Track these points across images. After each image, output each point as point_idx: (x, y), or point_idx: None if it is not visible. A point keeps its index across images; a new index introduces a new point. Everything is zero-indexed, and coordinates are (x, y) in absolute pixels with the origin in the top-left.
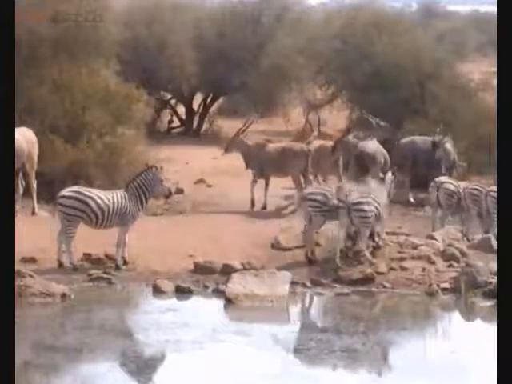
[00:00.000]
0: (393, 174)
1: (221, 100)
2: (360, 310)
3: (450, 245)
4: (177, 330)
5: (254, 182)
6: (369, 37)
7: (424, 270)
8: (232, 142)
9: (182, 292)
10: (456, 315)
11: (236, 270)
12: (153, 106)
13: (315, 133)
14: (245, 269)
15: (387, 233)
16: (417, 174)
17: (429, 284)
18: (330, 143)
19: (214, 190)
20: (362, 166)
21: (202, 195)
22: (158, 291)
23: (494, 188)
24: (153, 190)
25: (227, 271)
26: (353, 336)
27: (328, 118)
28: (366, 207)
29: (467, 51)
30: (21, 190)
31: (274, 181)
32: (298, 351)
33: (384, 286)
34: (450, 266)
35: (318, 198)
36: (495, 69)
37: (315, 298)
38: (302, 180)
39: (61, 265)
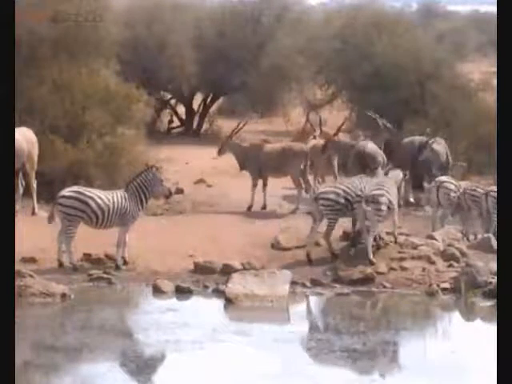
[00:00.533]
0: (404, 174)
1: (221, 100)
2: (360, 310)
3: (450, 245)
4: (177, 330)
5: (254, 185)
6: (369, 37)
7: (424, 270)
8: (225, 143)
9: (182, 292)
10: (456, 315)
11: (236, 270)
12: (153, 106)
13: (317, 132)
14: (245, 269)
15: (387, 233)
16: (416, 174)
17: (429, 284)
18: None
19: (213, 190)
20: (362, 166)
21: (202, 195)
22: (158, 291)
23: (494, 188)
24: (153, 190)
25: (227, 271)
26: (353, 336)
27: (328, 118)
28: (381, 199)
29: (467, 51)
30: (21, 189)
31: (274, 180)
32: (297, 351)
33: (384, 286)
34: (450, 265)
35: (331, 196)
36: (495, 69)
37: (315, 298)
38: (302, 180)
39: (61, 265)
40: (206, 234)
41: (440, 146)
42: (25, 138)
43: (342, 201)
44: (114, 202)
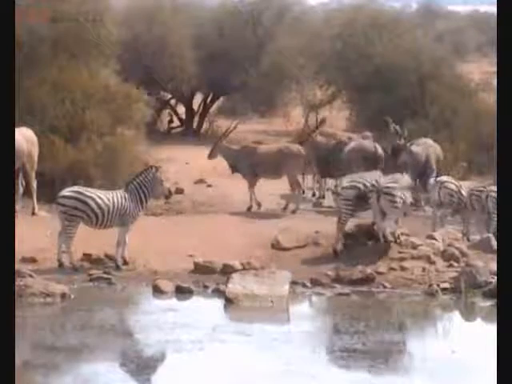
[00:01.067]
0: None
1: (221, 100)
2: (360, 309)
3: (450, 245)
4: (177, 330)
5: (251, 186)
6: (369, 37)
7: (424, 270)
8: (215, 147)
9: (182, 292)
10: (456, 315)
11: (236, 270)
12: (153, 106)
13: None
14: (245, 269)
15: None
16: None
17: (429, 284)
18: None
19: (213, 190)
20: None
21: (202, 195)
22: (157, 291)
23: (494, 188)
24: (153, 190)
25: (227, 271)
26: (353, 336)
27: (328, 118)
28: (396, 192)
29: (467, 51)
30: (21, 189)
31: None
32: (297, 351)
33: (384, 286)
34: (450, 265)
35: (354, 189)
36: (495, 69)
37: (315, 297)
38: (301, 180)
39: (61, 265)
40: (205, 234)
41: (419, 148)
42: (25, 137)
43: (364, 194)
44: (113, 202)
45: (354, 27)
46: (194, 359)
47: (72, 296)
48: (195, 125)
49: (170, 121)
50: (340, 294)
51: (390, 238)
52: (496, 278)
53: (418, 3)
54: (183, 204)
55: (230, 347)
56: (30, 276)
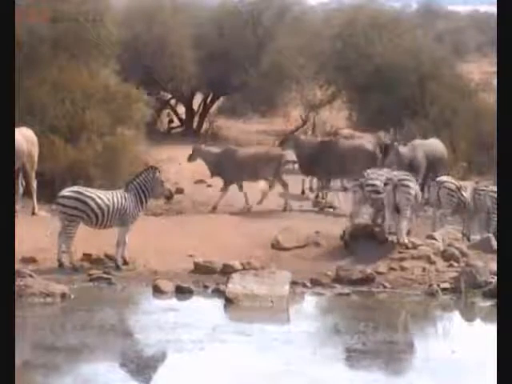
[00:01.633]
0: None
1: (221, 100)
2: (360, 309)
3: (450, 245)
4: (177, 329)
5: (224, 190)
6: (369, 37)
7: (424, 269)
8: (195, 150)
9: (182, 292)
10: (456, 315)
11: (236, 270)
12: (153, 106)
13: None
14: (245, 269)
15: (390, 233)
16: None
17: (429, 284)
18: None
19: (213, 190)
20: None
21: (202, 195)
22: (157, 291)
23: (494, 188)
24: (153, 191)
25: (227, 271)
26: (353, 336)
27: (328, 118)
28: (410, 184)
29: (467, 51)
30: (21, 189)
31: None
32: (297, 351)
33: (384, 286)
34: (450, 266)
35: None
36: (495, 69)
37: (315, 297)
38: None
39: (61, 265)
40: (206, 234)
41: (405, 149)
42: (25, 137)
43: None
44: (113, 202)
45: (354, 27)
46: (194, 359)
47: (72, 296)
48: (195, 125)
49: (170, 121)
50: (340, 294)
51: (405, 240)
52: (496, 278)
53: (418, 3)
54: (183, 204)
55: (230, 347)
56: (30, 276)
